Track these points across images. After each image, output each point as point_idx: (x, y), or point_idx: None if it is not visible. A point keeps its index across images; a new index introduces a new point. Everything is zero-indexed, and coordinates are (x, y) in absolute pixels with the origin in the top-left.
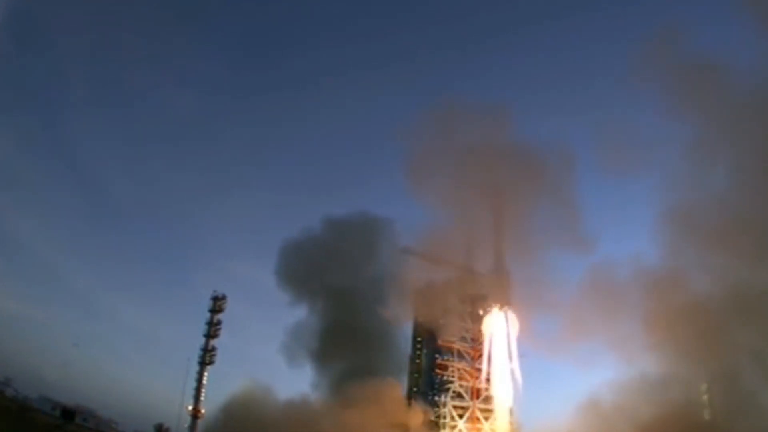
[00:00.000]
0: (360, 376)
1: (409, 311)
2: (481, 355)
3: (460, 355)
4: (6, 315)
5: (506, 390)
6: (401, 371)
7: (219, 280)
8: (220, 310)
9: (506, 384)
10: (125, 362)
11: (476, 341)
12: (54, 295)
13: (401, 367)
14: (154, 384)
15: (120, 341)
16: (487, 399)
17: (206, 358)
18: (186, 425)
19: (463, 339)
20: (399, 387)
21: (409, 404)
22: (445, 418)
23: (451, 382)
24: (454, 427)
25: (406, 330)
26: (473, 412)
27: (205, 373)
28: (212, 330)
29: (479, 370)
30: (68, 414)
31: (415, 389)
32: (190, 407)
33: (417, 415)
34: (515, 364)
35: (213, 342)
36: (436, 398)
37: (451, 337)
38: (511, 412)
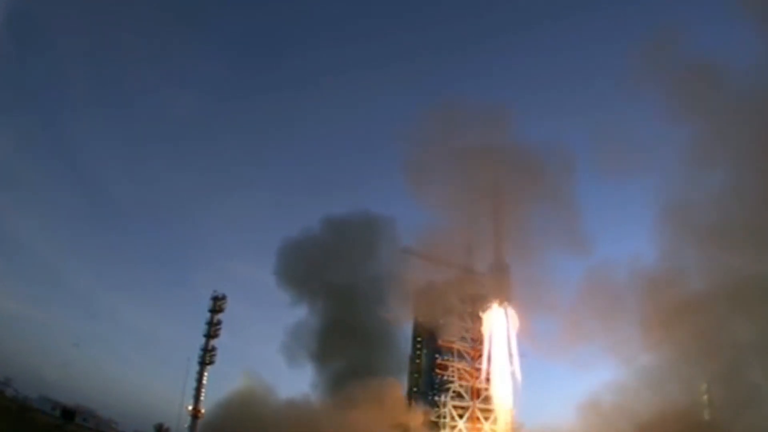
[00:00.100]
0: (360, 376)
1: (409, 311)
2: (481, 355)
3: (460, 355)
4: (6, 315)
5: (506, 388)
6: (401, 371)
7: (219, 280)
8: (220, 310)
9: (506, 381)
10: (125, 362)
11: (476, 341)
12: (54, 295)
13: (401, 367)
14: (154, 384)
15: (120, 341)
16: (487, 399)
17: (206, 358)
18: (186, 425)
19: (463, 339)
20: (400, 387)
21: (409, 404)
22: (445, 418)
23: (451, 382)
24: (454, 427)
25: (406, 330)
26: (473, 412)
27: (205, 373)
28: (212, 330)
29: (479, 370)
30: (68, 414)
31: (415, 389)
32: (190, 407)
33: (417, 416)
34: (515, 360)
35: (213, 342)
36: (436, 398)
37: (451, 337)
38: (511, 412)
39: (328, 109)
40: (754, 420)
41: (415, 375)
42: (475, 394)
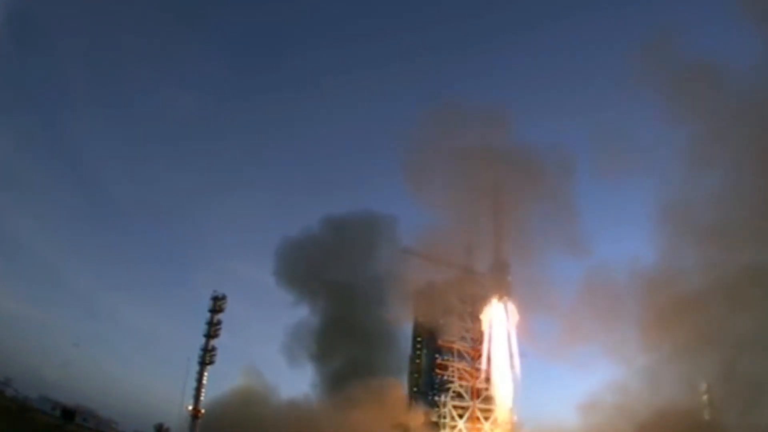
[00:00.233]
0: (360, 376)
1: (409, 311)
2: (480, 355)
3: (460, 355)
4: (6, 315)
5: (506, 383)
6: (401, 371)
7: (219, 280)
8: (220, 310)
9: (506, 377)
10: (125, 362)
11: (476, 341)
12: (54, 295)
13: (401, 367)
14: (154, 384)
15: (120, 341)
16: (487, 399)
17: (206, 358)
18: (186, 424)
19: (463, 339)
20: (401, 387)
21: (410, 404)
22: (445, 418)
23: (451, 382)
24: (454, 427)
25: (406, 330)
26: (473, 412)
27: (205, 373)
28: (212, 330)
29: (479, 370)
30: (68, 414)
31: (415, 389)
32: (190, 407)
33: (418, 416)
34: (515, 355)
35: (213, 342)
36: (436, 398)
37: (451, 337)
38: (511, 411)
39: (329, 109)
40: (754, 419)
41: (415, 375)
42: (475, 394)
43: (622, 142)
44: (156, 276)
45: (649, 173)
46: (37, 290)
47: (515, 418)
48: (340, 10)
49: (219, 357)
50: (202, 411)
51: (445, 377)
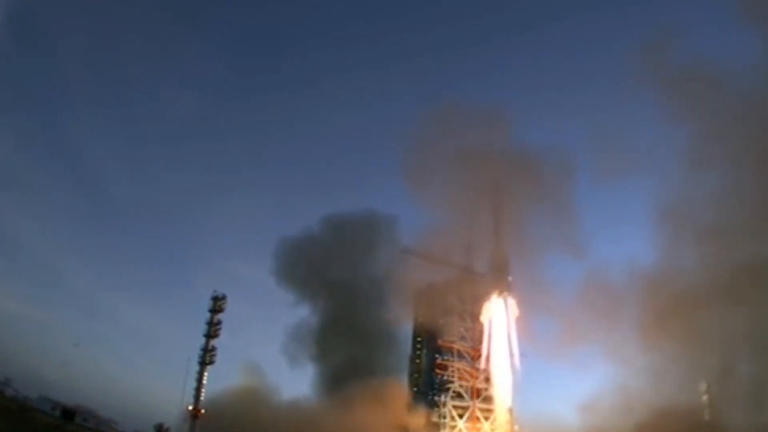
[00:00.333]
0: (360, 376)
1: (409, 311)
2: (480, 355)
3: (460, 355)
4: (6, 315)
5: (506, 379)
6: (401, 371)
7: (219, 280)
8: (220, 310)
9: (506, 371)
10: (125, 362)
11: (476, 341)
12: (54, 295)
13: (401, 367)
14: (154, 384)
15: (120, 341)
16: (487, 399)
17: (206, 358)
18: (185, 423)
19: (463, 339)
20: (403, 388)
21: (411, 405)
22: (445, 418)
23: (451, 382)
24: (454, 427)
25: (406, 330)
26: (473, 412)
27: (205, 373)
28: (212, 330)
29: (479, 369)
30: (68, 414)
31: (415, 389)
32: (190, 407)
33: (419, 417)
34: (515, 350)
35: (213, 342)
36: (436, 398)
37: (451, 337)
38: (510, 411)
39: (328, 109)
40: (754, 419)
41: (415, 375)
42: (475, 394)
43: (621, 143)
44: (156, 276)
45: (649, 173)
46: (37, 290)
47: (515, 417)
48: (340, 10)
49: (219, 357)
50: (202, 411)
51: (445, 377)
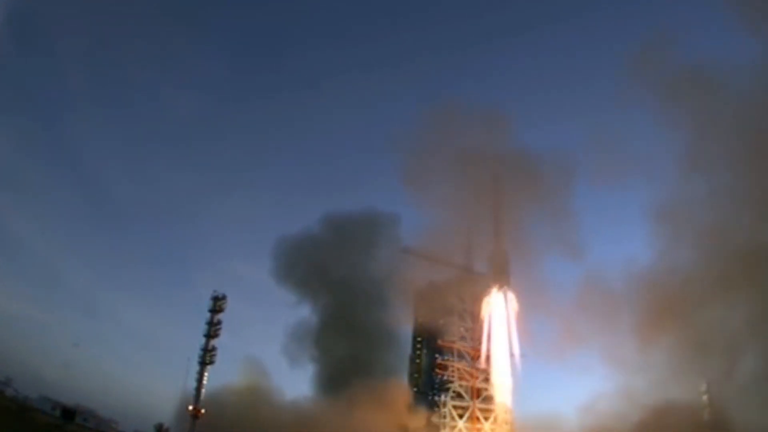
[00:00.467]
0: (361, 376)
1: (409, 311)
2: (480, 356)
3: (460, 355)
4: (6, 315)
5: (505, 374)
6: (401, 371)
7: (219, 280)
8: (220, 310)
9: (506, 368)
10: (125, 362)
11: (476, 341)
12: (54, 295)
13: (401, 367)
14: (154, 384)
15: (120, 341)
16: (487, 399)
17: (206, 358)
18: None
19: (463, 339)
20: (405, 388)
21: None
22: (445, 418)
23: (451, 382)
24: (454, 427)
25: (406, 330)
26: (473, 411)
27: (205, 373)
28: (212, 330)
29: (479, 369)
30: (68, 414)
31: (415, 389)
32: (191, 407)
33: (420, 418)
34: (515, 344)
35: (213, 342)
36: (436, 398)
37: (451, 337)
38: (510, 411)
39: (329, 109)
40: (754, 418)
41: (415, 375)
42: (475, 394)
43: (619, 144)
44: (156, 276)
45: (648, 175)
46: (37, 290)
47: (514, 417)
48: (341, 10)
49: (219, 357)
50: (203, 411)
51: (445, 377)
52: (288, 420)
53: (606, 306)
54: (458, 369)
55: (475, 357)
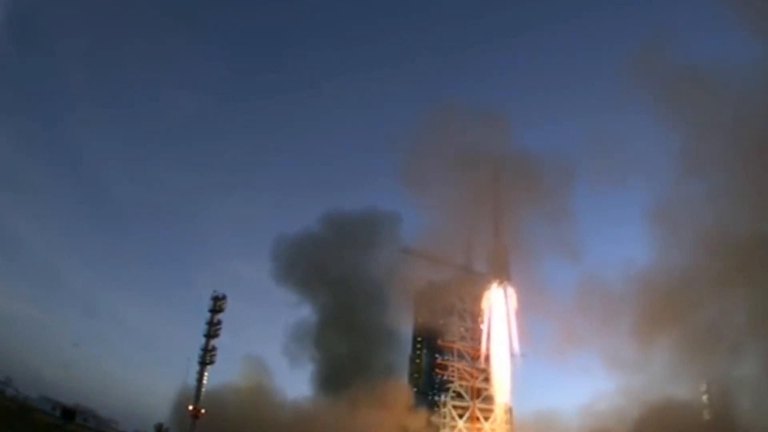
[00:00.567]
0: (361, 376)
1: (409, 311)
2: (480, 356)
3: (460, 355)
4: (6, 315)
5: (505, 372)
6: (401, 371)
7: (219, 280)
8: (220, 310)
9: (505, 365)
10: (125, 362)
11: (476, 341)
12: (54, 295)
13: (401, 367)
14: (154, 384)
15: (120, 341)
16: (487, 399)
17: (206, 358)
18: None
19: (463, 339)
20: (406, 388)
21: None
22: (445, 418)
23: (451, 382)
24: (454, 427)
25: (406, 330)
26: (473, 411)
27: (205, 373)
28: (212, 330)
29: (479, 369)
30: (68, 414)
31: (415, 389)
32: (191, 407)
33: (420, 418)
34: (514, 339)
35: (213, 342)
36: (436, 398)
37: (451, 337)
38: (510, 411)
39: (329, 109)
40: (754, 418)
41: (415, 375)
42: (475, 394)
43: (618, 146)
44: (156, 276)
45: (647, 176)
46: (37, 290)
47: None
48: (341, 11)
49: (219, 357)
50: (203, 410)
51: (445, 377)
52: (288, 420)
53: (605, 306)
54: (458, 369)
55: (475, 357)
